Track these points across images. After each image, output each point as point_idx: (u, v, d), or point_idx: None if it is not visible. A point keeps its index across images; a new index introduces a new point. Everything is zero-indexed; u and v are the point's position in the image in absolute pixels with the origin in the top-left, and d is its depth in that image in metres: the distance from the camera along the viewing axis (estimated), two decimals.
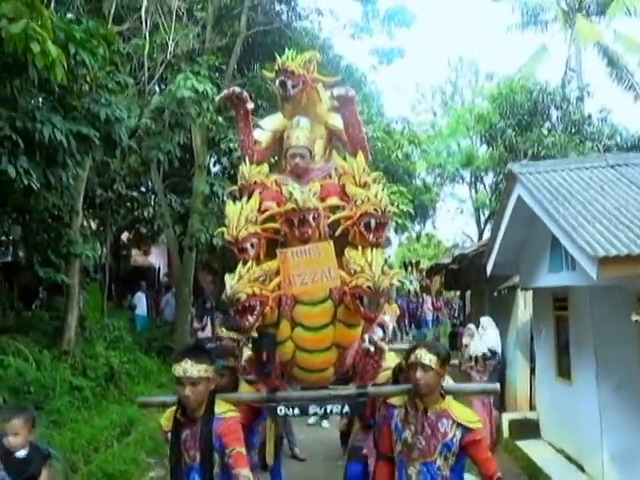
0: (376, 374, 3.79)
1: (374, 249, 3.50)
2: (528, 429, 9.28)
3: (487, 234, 21.02)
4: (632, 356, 7.21)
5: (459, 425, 3.35)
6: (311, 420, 10.07)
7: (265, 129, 4.46)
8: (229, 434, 3.18)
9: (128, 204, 15.48)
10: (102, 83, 8.54)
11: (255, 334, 3.53)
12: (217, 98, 4.40)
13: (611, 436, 7.11)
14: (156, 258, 24.00)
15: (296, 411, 3.65)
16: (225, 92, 4.28)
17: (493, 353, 10.60)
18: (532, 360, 10.37)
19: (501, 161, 19.43)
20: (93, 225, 13.92)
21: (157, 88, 12.71)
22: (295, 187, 3.64)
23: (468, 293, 17.85)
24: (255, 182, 3.98)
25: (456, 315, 23.83)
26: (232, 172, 13.52)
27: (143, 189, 16.92)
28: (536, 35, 23.85)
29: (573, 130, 19.32)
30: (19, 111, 7.05)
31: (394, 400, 3.63)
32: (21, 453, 3.67)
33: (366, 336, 3.67)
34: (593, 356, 7.35)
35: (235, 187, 4.19)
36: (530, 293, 9.94)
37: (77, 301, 10.25)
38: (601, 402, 7.14)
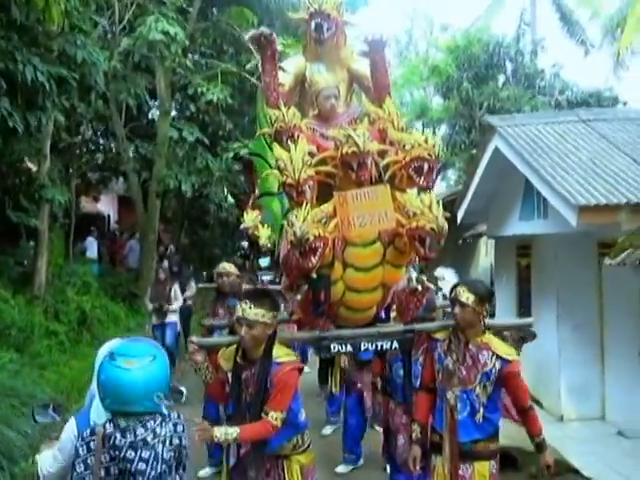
0: (417, 311, 3.97)
1: (427, 193, 3.58)
2: None
3: (440, 185, 21.55)
4: (591, 298, 7.78)
5: (498, 357, 3.54)
6: None
7: (287, 71, 4.45)
8: (277, 394, 3.29)
9: (89, 148, 15.10)
10: (75, 24, 8.33)
11: (314, 275, 3.57)
12: (246, 37, 4.33)
13: (568, 372, 7.72)
14: (105, 206, 23.63)
15: (348, 348, 3.81)
16: (253, 32, 4.21)
17: None
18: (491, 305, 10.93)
19: (457, 113, 19.75)
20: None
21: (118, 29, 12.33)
22: (351, 130, 3.59)
23: None
24: (295, 125, 3.95)
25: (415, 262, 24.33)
26: (200, 117, 13.44)
27: (100, 133, 16.49)
28: None
29: (527, 84, 19.70)
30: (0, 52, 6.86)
31: (437, 334, 3.81)
32: None
33: (413, 275, 3.92)
34: (555, 299, 7.87)
35: (266, 130, 4.20)
36: (491, 241, 10.43)
37: (47, 246, 10.18)
38: (560, 341, 7.68)
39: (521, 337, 4.58)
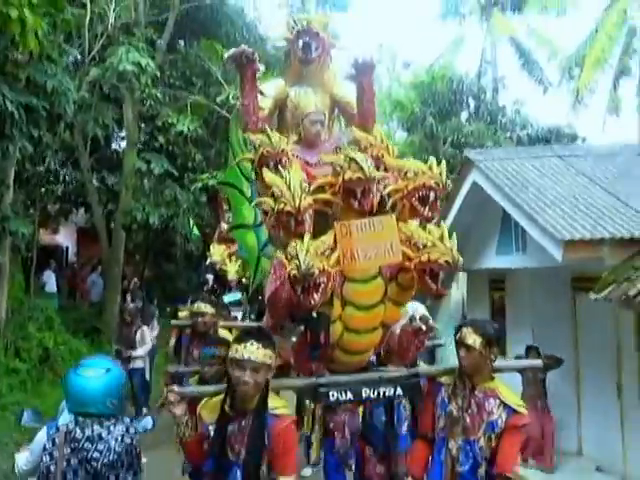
0: (417, 353, 3.60)
1: (431, 223, 3.29)
2: None
3: None
4: (566, 332, 7.83)
5: (506, 406, 3.21)
6: None
7: (267, 95, 4.12)
8: (282, 456, 2.91)
9: (49, 179, 14.70)
10: (46, 52, 8.14)
11: (314, 314, 3.20)
12: (225, 56, 3.96)
13: None
14: (64, 237, 23.15)
15: (349, 396, 3.35)
16: (234, 50, 3.86)
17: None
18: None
19: (421, 148, 20.02)
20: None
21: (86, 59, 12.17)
22: (357, 155, 3.26)
23: None
24: (283, 150, 3.63)
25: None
26: (169, 149, 13.27)
27: (62, 163, 16.12)
28: (454, 26, 24.61)
29: (489, 120, 20.16)
30: None
31: (442, 379, 3.45)
32: None
33: (417, 314, 3.51)
34: (530, 333, 7.88)
35: (249, 156, 3.88)
36: (463, 274, 10.44)
37: (7, 280, 9.78)
38: None
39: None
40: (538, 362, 3.92)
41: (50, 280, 15.61)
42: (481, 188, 7.33)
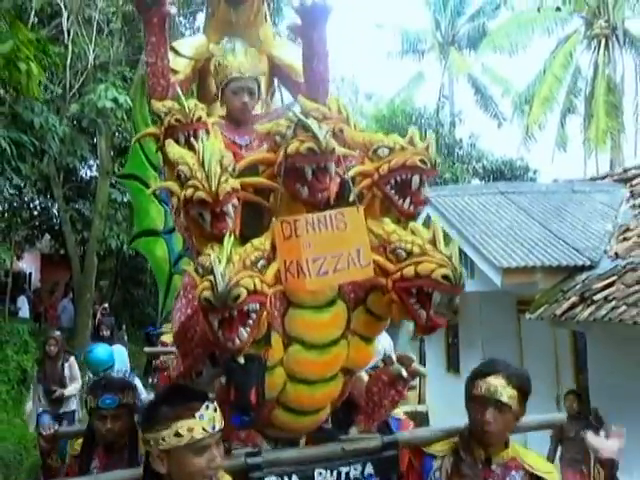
0: (392, 410, 2.67)
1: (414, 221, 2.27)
2: (417, 420, 10.44)
3: None
4: (512, 349, 8.67)
5: (536, 478, 2.29)
6: None
7: (184, 55, 3.16)
8: None
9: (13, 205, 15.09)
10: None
11: (241, 359, 2.08)
12: None
13: None
14: (26, 263, 23.38)
15: None
16: None
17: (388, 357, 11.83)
18: (421, 359, 11.67)
19: None
20: None
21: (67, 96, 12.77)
22: (307, 119, 2.21)
23: None
24: (200, 119, 2.57)
25: None
26: None
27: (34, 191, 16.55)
28: (414, 62, 25.93)
29: (447, 152, 21.21)
30: None
31: (433, 448, 2.41)
32: None
33: (393, 354, 2.62)
34: (480, 351, 8.67)
35: (150, 130, 2.83)
36: None
37: None
38: None
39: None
40: (562, 416, 2.94)
41: (24, 305, 15.90)
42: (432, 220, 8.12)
